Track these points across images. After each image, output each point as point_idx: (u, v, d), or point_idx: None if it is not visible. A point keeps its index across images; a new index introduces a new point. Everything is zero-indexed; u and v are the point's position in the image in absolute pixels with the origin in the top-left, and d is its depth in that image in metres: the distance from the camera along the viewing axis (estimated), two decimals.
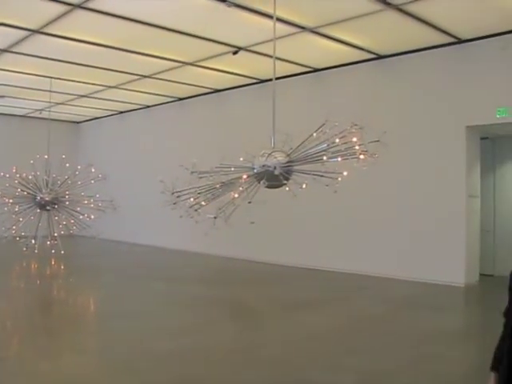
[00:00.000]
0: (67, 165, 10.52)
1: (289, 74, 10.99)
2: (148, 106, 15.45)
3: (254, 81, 11.90)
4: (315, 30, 8.23)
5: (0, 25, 7.98)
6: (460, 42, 8.70)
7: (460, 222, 8.74)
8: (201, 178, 6.13)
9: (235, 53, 9.47)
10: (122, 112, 16.48)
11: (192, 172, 6.11)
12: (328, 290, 8.72)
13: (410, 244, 9.24)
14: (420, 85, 9.39)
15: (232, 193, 5.98)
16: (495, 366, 1.84)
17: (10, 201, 10.09)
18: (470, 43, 8.64)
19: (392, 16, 7.52)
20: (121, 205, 11.09)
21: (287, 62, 10.05)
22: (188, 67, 10.64)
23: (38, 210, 10.22)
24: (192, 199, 6.14)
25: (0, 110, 15.92)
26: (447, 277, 8.66)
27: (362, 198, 9.82)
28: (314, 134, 5.83)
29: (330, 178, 5.78)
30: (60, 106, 14.94)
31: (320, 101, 10.60)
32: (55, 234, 10.50)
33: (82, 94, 13.45)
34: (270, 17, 7.13)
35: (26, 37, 8.65)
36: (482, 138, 9.50)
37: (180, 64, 10.42)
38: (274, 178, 5.75)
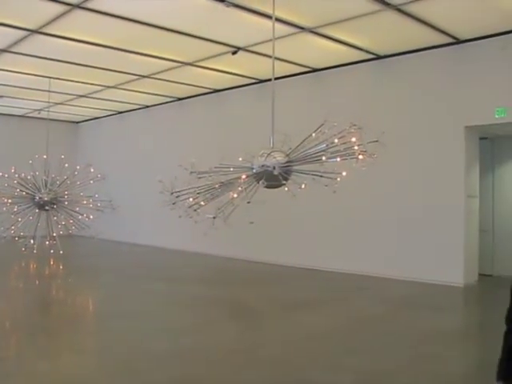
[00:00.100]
0: (66, 165, 10.53)
1: (288, 74, 11.00)
2: (147, 106, 15.45)
3: (253, 81, 11.91)
4: (314, 30, 8.23)
5: None
6: (459, 42, 8.71)
7: (459, 222, 8.75)
8: (200, 177, 6.13)
9: (234, 53, 9.47)
10: (121, 112, 16.47)
11: (191, 172, 6.11)
12: (327, 290, 8.73)
13: (409, 244, 9.24)
14: (419, 85, 9.40)
15: (231, 193, 5.98)
16: (504, 376, 1.84)
17: (9, 201, 10.08)
18: (468, 43, 8.65)
19: (391, 16, 7.53)
20: (120, 205, 11.11)
21: (286, 62, 10.05)
22: (187, 67, 10.64)
23: (37, 210, 10.22)
24: (191, 199, 6.14)
25: None
26: (446, 277, 8.67)
27: (361, 198, 9.83)
28: (313, 134, 5.84)
29: (329, 178, 5.78)
30: (59, 105, 14.94)
31: (319, 101, 10.61)
32: (54, 234, 10.49)
33: (81, 94, 13.44)
34: (268, 17, 7.13)
35: (25, 37, 8.64)
36: (480, 138, 9.51)
37: (179, 64, 10.42)
38: (273, 178, 5.76)
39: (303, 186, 5.91)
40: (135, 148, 15.72)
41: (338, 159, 5.64)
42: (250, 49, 9.31)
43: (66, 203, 10.39)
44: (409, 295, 8.21)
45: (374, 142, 5.54)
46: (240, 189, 5.91)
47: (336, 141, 5.62)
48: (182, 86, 12.47)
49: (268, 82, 10.94)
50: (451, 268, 8.69)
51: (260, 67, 10.39)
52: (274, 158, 5.77)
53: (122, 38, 8.71)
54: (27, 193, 10.09)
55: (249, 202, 5.79)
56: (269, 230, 10.96)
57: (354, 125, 5.65)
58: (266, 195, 6.24)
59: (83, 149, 17.96)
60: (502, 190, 10.08)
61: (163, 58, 9.95)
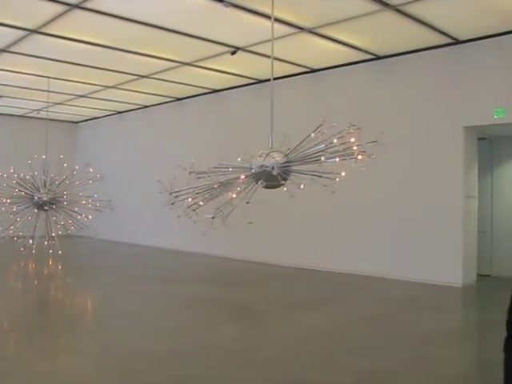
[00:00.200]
0: (65, 165, 10.52)
1: (287, 74, 11.00)
2: (146, 106, 15.45)
3: (253, 81, 11.91)
4: (313, 30, 8.23)
5: None
6: (458, 42, 8.72)
7: (457, 223, 8.75)
8: (199, 178, 6.14)
9: (233, 53, 9.47)
10: (120, 112, 16.47)
11: (190, 172, 6.12)
12: (326, 291, 8.73)
13: (408, 244, 9.25)
14: (418, 85, 9.41)
15: (230, 193, 5.99)
16: None
17: (8, 201, 10.07)
18: (467, 44, 8.66)
19: (390, 17, 7.54)
20: (119, 205, 11.11)
21: (285, 62, 10.06)
22: (186, 67, 10.64)
23: (36, 210, 10.21)
24: (190, 199, 6.15)
25: None
26: (445, 277, 8.68)
27: (360, 198, 9.84)
28: (312, 135, 5.85)
29: (328, 178, 5.79)
30: (58, 105, 14.93)
31: (318, 101, 10.62)
32: (53, 235, 10.49)
33: (80, 93, 13.44)
34: (267, 17, 7.13)
35: (24, 37, 8.64)
36: (479, 139, 9.51)
37: (178, 64, 10.42)
38: (271, 179, 5.77)
39: (302, 187, 5.92)
40: (134, 148, 15.71)
41: (337, 159, 5.65)
42: (249, 49, 9.31)
43: (65, 203, 10.38)
44: (407, 295, 8.22)
45: (372, 142, 5.55)
46: (239, 189, 5.92)
47: (335, 141, 5.63)
48: (181, 86, 12.47)
49: (267, 82, 10.95)
50: (450, 268, 8.70)
51: (259, 67, 10.39)
52: (273, 158, 5.78)
53: (121, 37, 8.71)
54: (26, 193, 10.08)
55: (248, 203, 5.80)
56: (268, 230, 10.96)
57: (353, 125, 5.66)
58: (265, 195, 6.24)
59: (82, 149, 17.96)
60: (501, 191, 10.09)
61: (162, 57, 9.95)
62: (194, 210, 6.22)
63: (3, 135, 16.51)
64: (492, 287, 9.09)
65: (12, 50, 9.41)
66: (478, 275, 9.26)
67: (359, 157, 5.54)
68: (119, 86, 12.51)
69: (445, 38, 8.54)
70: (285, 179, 5.82)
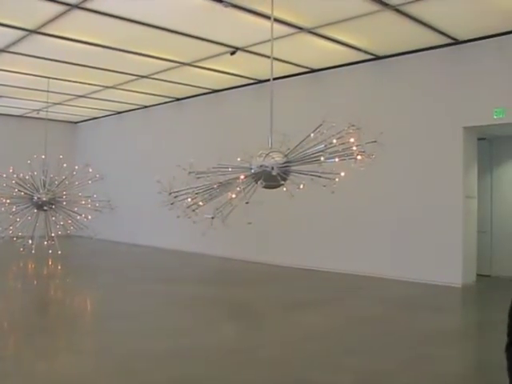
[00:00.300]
0: (64, 165, 10.53)
1: (286, 74, 11.00)
2: (146, 107, 15.45)
3: (252, 81, 11.91)
4: (313, 30, 8.23)
5: None
6: (457, 42, 8.72)
7: (457, 223, 8.75)
8: (198, 178, 6.14)
9: (233, 53, 9.47)
10: (119, 112, 16.47)
11: (189, 172, 6.12)
12: (325, 291, 8.73)
13: (407, 244, 9.25)
14: (417, 85, 9.41)
15: (229, 193, 5.99)
16: None
17: (8, 201, 10.07)
18: (467, 44, 8.66)
19: (389, 17, 7.54)
20: (118, 205, 11.12)
21: (285, 62, 10.06)
22: (185, 67, 10.64)
23: (36, 210, 10.21)
24: (189, 199, 6.15)
25: None
26: (444, 277, 8.68)
27: (360, 198, 9.84)
28: (312, 135, 5.85)
29: (328, 178, 5.79)
30: (57, 106, 14.92)
31: (317, 101, 10.62)
32: (52, 235, 10.49)
33: (80, 94, 13.43)
34: (267, 17, 7.14)
35: (24, 37, 8.64)
36: (479, 139, 9.52)
37: (177, 64, 10.42)
38: (271, 179, 5.77)
39: (301, 187, 5.92)
40: (134, 148, 15.71)
41: (337, 159, 5.66)
42: (249, 49, 9.31)
43: (65, 203, 10.39)
44: (407, 295, 8.21)
45: (372, 142, 5.55)
46: (238, 189, 5.92)
47: (334, 141, 5.63)
48: (181, 86, 12.47)
49: (266, 83, 10.96)
50: (449, 268, 8.70)
51: (258, 67, 10.39)
52: (273, 158, 5.79)
53: (121, 38, 8.71)
54: (25, 193, 10.08)
55: (247, 203, 5.80)
56: (267, 230, 10.97)
57: (353, 125, 5.66)
58: (265, 195, 6.24)
59: (82, 149, 17.95)
60: (501, 191, 10.09)
61: (162, 58, 9.95)
62: (193, 210, 6.22)
63: (2, 135, 16.51)
64: (492, 287, 9.09)
65: (11, 50, 9.40)
66: (478, 275, 9.26)
67: (359, 157, 5.54)
68: (119, 86, 12.51)
69: (445, 38, 8.54)
70: (284, 179, 5.82)
